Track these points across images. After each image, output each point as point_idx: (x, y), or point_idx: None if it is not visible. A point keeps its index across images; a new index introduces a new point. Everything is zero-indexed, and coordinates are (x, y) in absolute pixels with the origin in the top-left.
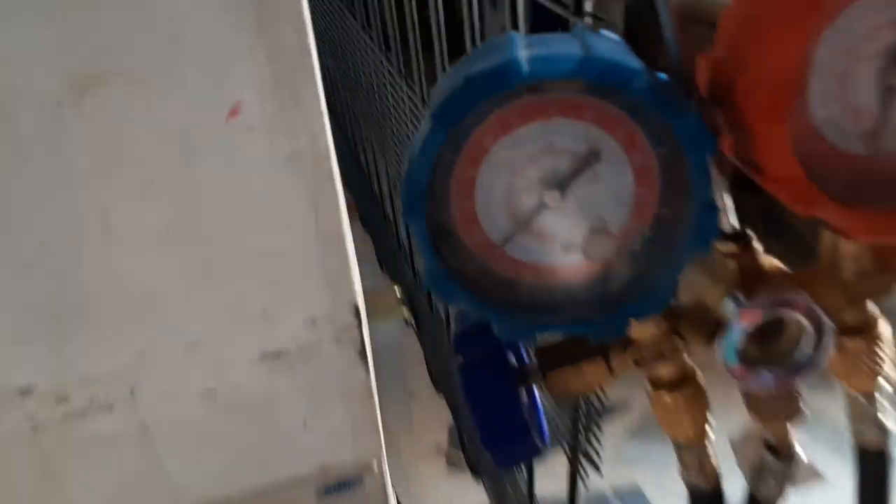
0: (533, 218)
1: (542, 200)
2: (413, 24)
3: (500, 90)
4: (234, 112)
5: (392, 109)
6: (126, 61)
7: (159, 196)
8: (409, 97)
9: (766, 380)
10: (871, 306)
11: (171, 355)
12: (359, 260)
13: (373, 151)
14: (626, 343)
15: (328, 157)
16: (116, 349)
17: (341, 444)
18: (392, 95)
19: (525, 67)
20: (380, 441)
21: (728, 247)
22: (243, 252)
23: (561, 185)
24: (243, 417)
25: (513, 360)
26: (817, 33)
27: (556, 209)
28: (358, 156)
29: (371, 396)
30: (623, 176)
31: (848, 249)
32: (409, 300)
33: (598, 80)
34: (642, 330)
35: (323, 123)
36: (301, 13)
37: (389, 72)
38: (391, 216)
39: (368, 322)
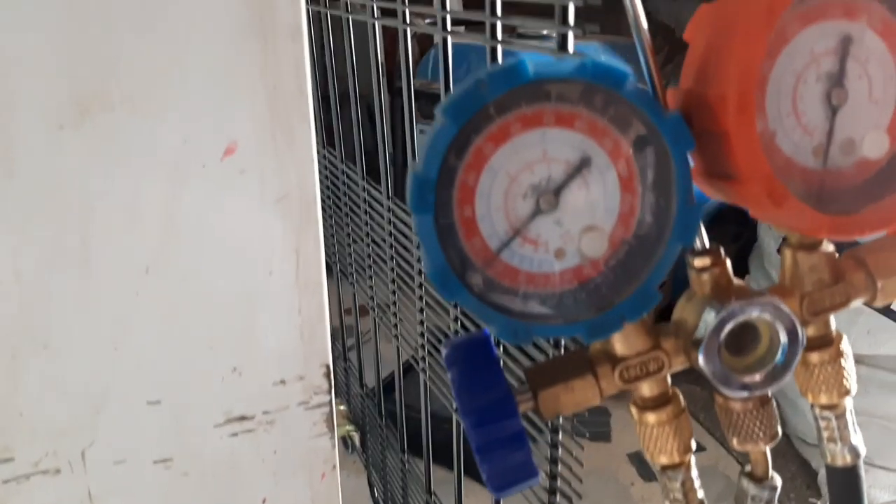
0: (528, 223)
1: (537, 205)
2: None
3: (507, 87)
4: (229, 151)
5: (345, 218)
6: (131, 86)
7: (142, 231)
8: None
9: (742, 385)
10: (832, 322)
11: (130, 413)
12: None
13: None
14: (614, 361)
15: (314, 201)
16: (73, 400)
17: None
18: (361, 209)
19: (530, 69)
20: None
21: (702, 261)
22: (221, 297)
23: (555, 190)
24: (199, 492)
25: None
26: (772, 55)
27: (549, 215)
28: None
29: (335, 472)
30: (610, 184)
31: (807, 262)
32: (356, 420)
33: (595, 80)
34: (629, 346)
35: (313, 167)
36: (302, 56)
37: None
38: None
39: None
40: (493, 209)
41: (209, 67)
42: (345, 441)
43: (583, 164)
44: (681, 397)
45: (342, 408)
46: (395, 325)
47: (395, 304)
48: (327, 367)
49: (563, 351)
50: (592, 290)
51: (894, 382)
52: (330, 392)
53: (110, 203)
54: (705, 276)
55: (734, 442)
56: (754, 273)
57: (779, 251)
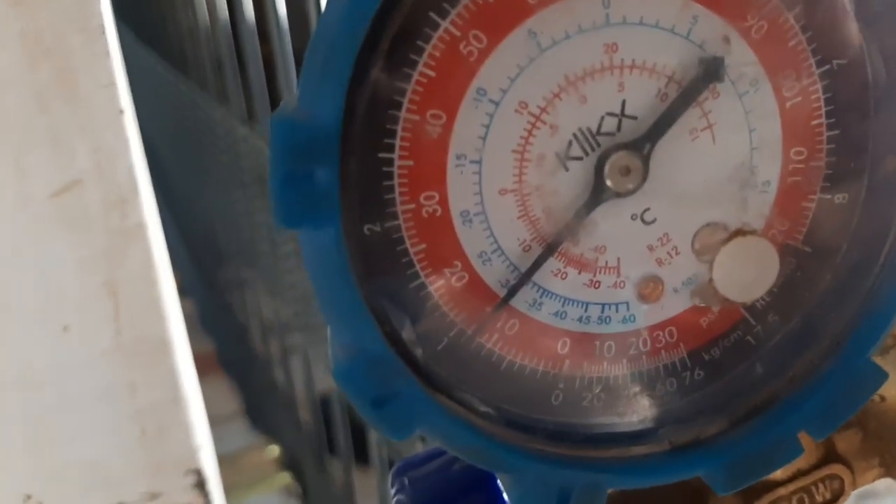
0: (578, 223)
1: (598, 180)
2: None
3: None
4: None
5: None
6: None
7: None
8: None
9: None
10: None
11: None
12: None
13: (233, 268)
14: (751, 494)
15: (135, 192)
16: None
17: None
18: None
19: None
20: None
21: None
22: None
23: (639, 143)
24: None
25: None
26: None
27: (625, 202)
28: (209, 274)
29: None
30: (764, 122)
31: None
32: (292, 461)
33: None
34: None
35: (123, 122)
36: None
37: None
38: (264, 351)
39: (241, 498)
40: (489, 195)
41: None
42: (288, 489)
43: (704, 79)
44: None
45: (273, 446)
46: None
47: None
48: (198, 473)
49: None
50: (725, 365)
51: None
52: None
53: None
54: None
55: None
56: None
57: None
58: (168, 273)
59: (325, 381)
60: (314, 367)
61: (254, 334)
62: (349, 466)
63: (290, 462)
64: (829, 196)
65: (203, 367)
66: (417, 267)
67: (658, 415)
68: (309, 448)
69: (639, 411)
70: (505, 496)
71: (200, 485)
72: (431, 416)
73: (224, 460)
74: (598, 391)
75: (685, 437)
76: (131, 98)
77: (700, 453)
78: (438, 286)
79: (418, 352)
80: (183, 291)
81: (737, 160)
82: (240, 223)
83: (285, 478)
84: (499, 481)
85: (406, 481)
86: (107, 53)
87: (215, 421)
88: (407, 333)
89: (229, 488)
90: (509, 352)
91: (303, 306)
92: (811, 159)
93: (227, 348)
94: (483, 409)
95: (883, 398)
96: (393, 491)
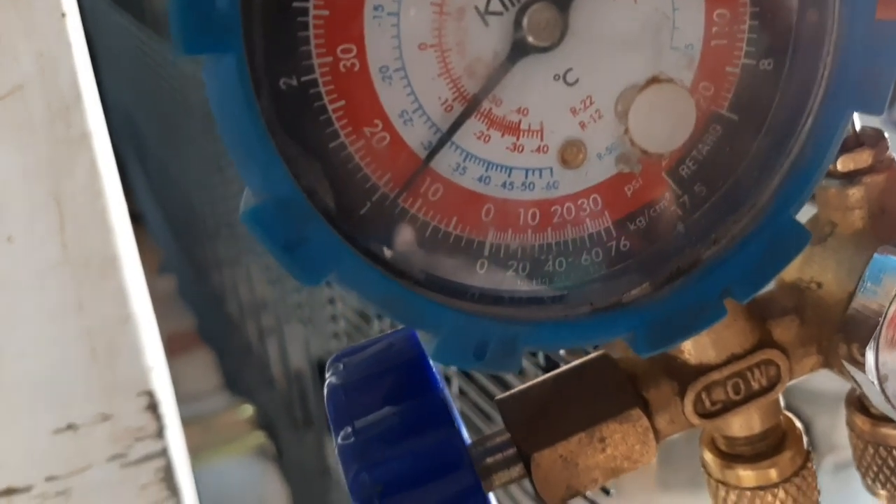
0: (497, 81)
1: (518, 33)
2: None
3: None
4: None
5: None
6: None
7: None
8: None
9: None
10: None
11: None
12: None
13: (212, 244)
14: (684, 376)
15: (79, 99)
16: None
17: None
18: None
19: None
20: None
21: (853, 160)
22: None
23: None
24: None
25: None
26: None
27: (545, 57)
28: (189, 249)
29: None
30: None
31: None
32: (267, 422)
33: None
34: (714, 344)
35: (65, 31)
36: None
37: None
38: (241, 321)
39: (213, 458)
40: (408, 50)
41: None
42: (262, 449)
43: None
44: (803, 435)
45: (247, 406)
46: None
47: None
48: (150, 395)
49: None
50: (650, 234)
51: None
52: (162, 435)
53: None
54: (857, 192)
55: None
56: None
57: None
58: (116, 187)
59: (299, 360)
60: (289, 344)
61: (231, 305)
62: (321, 436)
63: (264, 422)
64: (753, 62)
65: (185, 343)
66: (336, 125)
67: (582, 280)
68: (283, 410)
69: (563, 279)
70: (435, 371)
71: (153, 407)
72: (345, 262)
73: (197, 420)
74: (522, 259)
75: (607, 299)
76: (76, 4)
77: (621, 315)
78: (359, 147)
79: (332, 204)
80: (164, 268)
81: (658, 17)
82: (218, 195)
83: (259, 437)
84: (418, 337)
85: (341, 366)
86: None
87: (198, 395)
88: (328, 193)
89: (203, 448)
90: (434, 218)
91: (279, 290)
92: (734, 22)
93: (206, 319)
94: (403, 268)
95: (820, 285)
96: (328, 375)
